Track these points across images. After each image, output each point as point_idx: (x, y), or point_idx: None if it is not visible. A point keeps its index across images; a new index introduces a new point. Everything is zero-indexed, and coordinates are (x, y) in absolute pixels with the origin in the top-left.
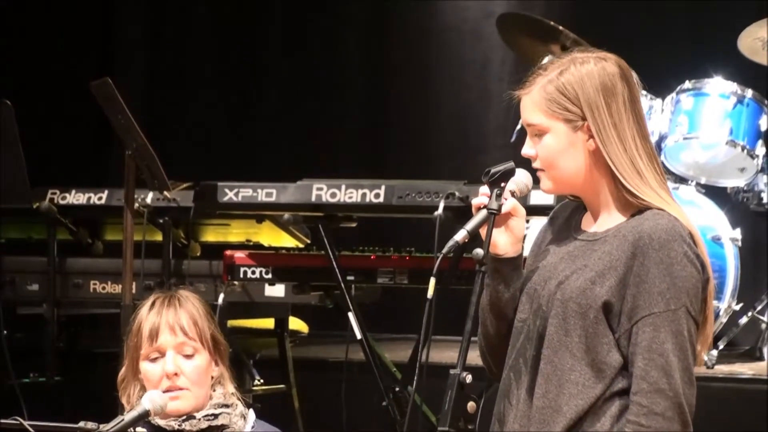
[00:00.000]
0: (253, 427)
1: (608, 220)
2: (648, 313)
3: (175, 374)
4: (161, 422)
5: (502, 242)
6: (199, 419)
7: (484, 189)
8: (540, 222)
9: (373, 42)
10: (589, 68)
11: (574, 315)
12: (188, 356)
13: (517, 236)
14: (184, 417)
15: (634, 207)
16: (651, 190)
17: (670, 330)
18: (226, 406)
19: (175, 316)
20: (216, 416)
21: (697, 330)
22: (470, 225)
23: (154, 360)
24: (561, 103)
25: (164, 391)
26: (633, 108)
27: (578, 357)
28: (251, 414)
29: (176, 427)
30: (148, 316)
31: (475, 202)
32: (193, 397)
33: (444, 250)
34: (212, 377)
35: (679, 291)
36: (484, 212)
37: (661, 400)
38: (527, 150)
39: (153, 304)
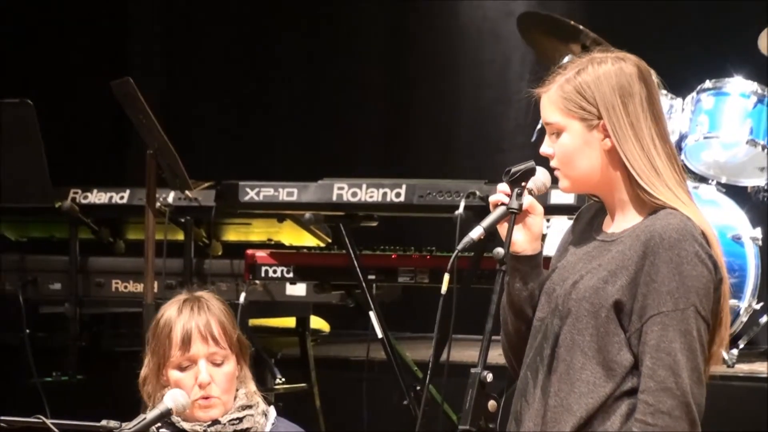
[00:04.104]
0: (273, 424)
1: (625, 220)
2: (656, 312)
3: (208, 383)
4: (186, 426)
5: (519, 240)
6: (225, 424)
7: (502, 186)
8: (560, 221)
9: (394, 42)
10: (606, 68)
11: (587, 314)
12: (218, 364)
13: (534, 234)
14: (209, 423)
15: (650, 207)
16: (667, 189)
17: (679, 329)
18: (249, 406)
19: (206, 324)
20: (241, 420)
21: (709, 329)
22: (486, 222)
23: (184, 369)
24: (577, 102)
25: (196, 400)
26: (651, 108)
27: (590, 356)
28: (272, 411)
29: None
30: (177, 322)
31: (492, 199)
32: (222, 404)
33: (459, 247)
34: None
35: (689, 290)
36: (501, 209)
37: (667, 398)
38: (545, 149)
39: (180, 309)
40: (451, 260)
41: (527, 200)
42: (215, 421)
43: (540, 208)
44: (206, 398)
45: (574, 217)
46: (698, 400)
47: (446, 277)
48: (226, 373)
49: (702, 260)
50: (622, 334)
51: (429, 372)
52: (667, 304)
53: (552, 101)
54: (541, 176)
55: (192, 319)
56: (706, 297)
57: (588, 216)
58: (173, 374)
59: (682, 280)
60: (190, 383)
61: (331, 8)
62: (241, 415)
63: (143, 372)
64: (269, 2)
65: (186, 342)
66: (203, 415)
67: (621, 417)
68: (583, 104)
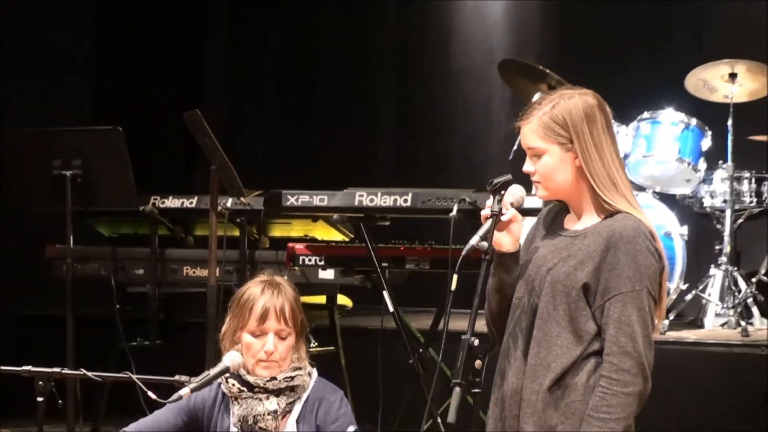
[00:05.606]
0: (315, 381)
1: (587, 220)
2: (618, 292)
3: (272, 352)
4: (249, 378)
5: (506, 242)
6: (280, 380)
7: (489, 202)
8: (531, 221)
9: (402, 82)
10: (574, 101)
11: (561, 293)
12: (283, 338)
13: (516, 236)
14: (268, 379)
15: (607, 211)
16: (623, 198)
17: (635, 306)
18: (299, 368)
19: (281, 306)
20: (292, 378)
21: (656, 306)
22: (481, 231)
23: (257, 336)
24: (554, 130)
25: (260, 361)
26: (608, 131)
27: (563, 326)
28: (314, 372)
29: (261, 384)
30: (260, 299)
31: (483, 213)
32: (279, 366)
33: (463, 253)
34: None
35: (642, 276)
36: (490, 221)
37: (627, 359)
38: (528, 167)
39: (263, 289)
40: (458, 262)
41: (511, 212)
42: (273, 378)
43: (520, 218)
44: (268, 361)
45: (537, 217)
46: (650, 360)
47: (455, 277)
48: (287, 346)
49: (652, 253)
50: (588, 309)
51: (443, 341)
52: (626, 286)
53: (533, 130)
54: (519, 192)
55: (272, 300)
56: (655, 281)
57: (549, 217)
58: (246, 337)
59: (637, 268)
60: (258, 347)
61: (354, 64)
62: (293, 374)
63: (223, 329)
64: (301, 66)
65: (264, 317)
66: (264, 373)
67: (587, 372)
68: (559, 131)
